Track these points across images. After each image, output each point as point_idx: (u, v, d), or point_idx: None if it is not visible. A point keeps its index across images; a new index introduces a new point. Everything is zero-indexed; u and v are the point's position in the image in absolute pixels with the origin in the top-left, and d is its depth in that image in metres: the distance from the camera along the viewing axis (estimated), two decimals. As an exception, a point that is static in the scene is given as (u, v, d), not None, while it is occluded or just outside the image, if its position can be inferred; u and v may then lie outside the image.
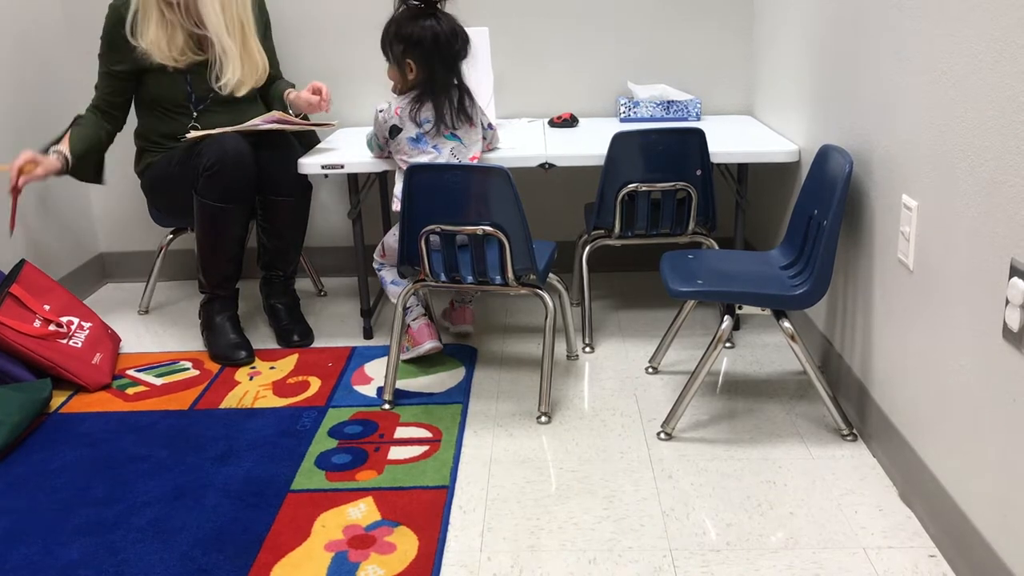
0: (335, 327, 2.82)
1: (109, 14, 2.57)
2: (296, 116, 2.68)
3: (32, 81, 2.88)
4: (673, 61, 3.06)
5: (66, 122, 3.04)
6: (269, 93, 2.81)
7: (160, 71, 2.57)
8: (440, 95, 2.34)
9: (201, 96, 2.62)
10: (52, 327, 2.44)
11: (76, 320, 2.53)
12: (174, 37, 2.54)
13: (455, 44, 2.32)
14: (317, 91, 2.64)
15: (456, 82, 2.37)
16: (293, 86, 2.79)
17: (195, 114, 2.63)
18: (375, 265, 2.57)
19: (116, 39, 2.55)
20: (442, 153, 2.37)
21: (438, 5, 2.32)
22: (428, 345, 2.44)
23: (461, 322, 2.67)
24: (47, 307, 2.48)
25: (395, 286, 2.48)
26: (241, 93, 2.63)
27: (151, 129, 2.66)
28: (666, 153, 2.44)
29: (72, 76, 3.03)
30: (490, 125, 2.51)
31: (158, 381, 2.47)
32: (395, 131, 2.38)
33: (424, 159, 2.34)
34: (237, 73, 2.59)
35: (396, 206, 2.29)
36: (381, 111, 2.39)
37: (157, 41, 2.52)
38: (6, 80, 2.75)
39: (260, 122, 2.53)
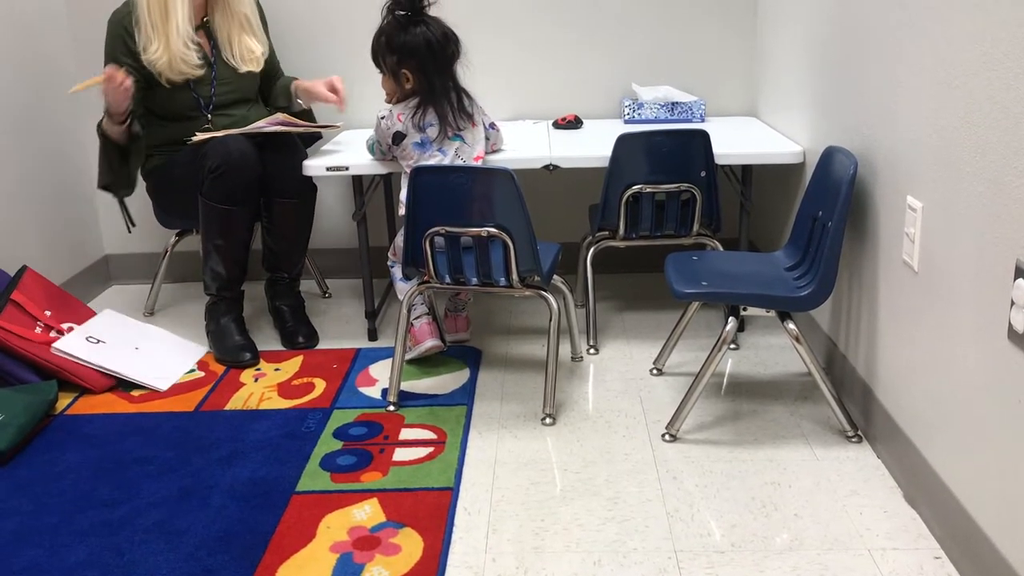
0: (340, 329, 2.82)
1: (111, 29, 2.55)
2: (299, 110, 2.67)
3: (34, 74, 2.86)
4: (677, 63, 3.06)
5: (66, 114, 3.04)
6: (272, 91, 2.81)
7: (164, 85, 2.56)
8: (441, 100, 2.34)
9: (207, 99, 2.63)
10: (53, 334, 2.44)
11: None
12: (188, 53, 2.53)
13: (448, 48, 2.33)
14: (333, 89, 2.63)
15: (452, 83, 2.38)
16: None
17: (210, 117, 2.63)
18: (388, 263, 2.58)
19: (119, 54, 2.53)
20: (447, 155, 2.37)
21: (424, 11, 2.32)
22: (429, 343, 2.44)
23: (455, 331, 2.65)
24: (48, 313, 2.49)
25: (404, 283, 2.47)
26: (250, 68, 2.65)
27: (157, 135, 2.65)
28: (670, 154, 2.44)
29: (75, 69, 3.03)
30: (492, 125, 2.51)
31: (163, 383, 2.47)
32: (399, 137, 2.38)
33: (431, 163, 2.34)
34: (248, 45, 2.60)
35: (402, 211, 2.28)
36: (383, 117, 2.39)
37: (178, 54, 2.51)
38: (7, 72, 2.73)
39: (264, 124, 2.54)
